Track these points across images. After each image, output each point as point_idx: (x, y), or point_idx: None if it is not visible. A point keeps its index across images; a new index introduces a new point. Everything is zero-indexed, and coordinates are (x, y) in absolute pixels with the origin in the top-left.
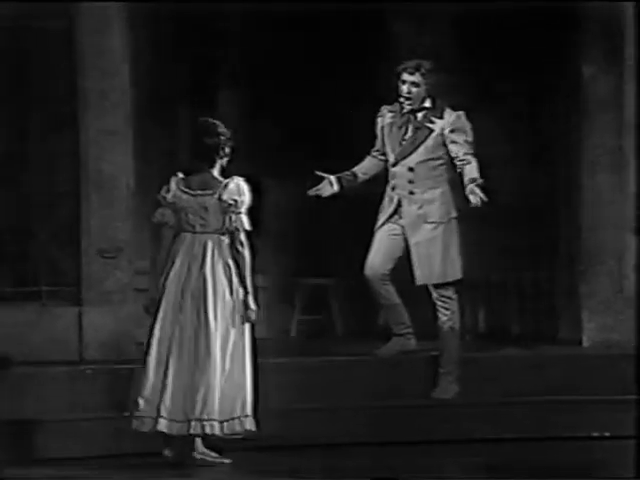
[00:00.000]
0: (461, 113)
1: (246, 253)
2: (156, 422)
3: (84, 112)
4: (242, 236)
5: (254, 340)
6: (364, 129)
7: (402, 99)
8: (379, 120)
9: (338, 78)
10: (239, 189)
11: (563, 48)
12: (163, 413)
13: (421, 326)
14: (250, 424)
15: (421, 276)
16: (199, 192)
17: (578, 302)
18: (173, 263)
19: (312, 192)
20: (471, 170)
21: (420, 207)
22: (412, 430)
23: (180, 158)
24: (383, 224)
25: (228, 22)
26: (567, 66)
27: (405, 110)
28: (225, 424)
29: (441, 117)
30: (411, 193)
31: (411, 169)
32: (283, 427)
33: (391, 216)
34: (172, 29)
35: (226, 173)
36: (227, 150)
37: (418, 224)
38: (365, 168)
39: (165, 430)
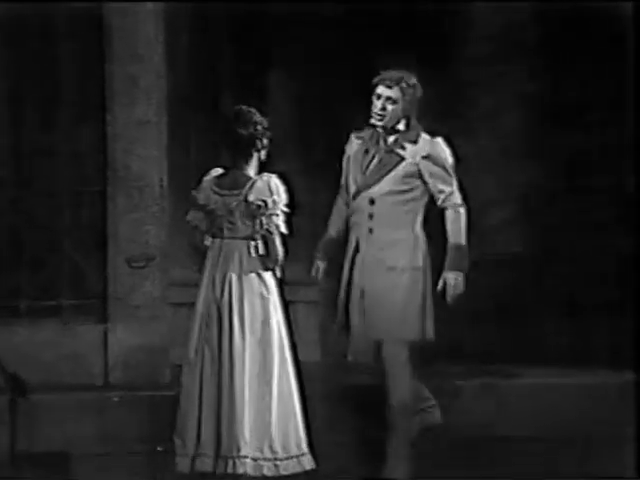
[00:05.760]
0: (439, 139)
1: (280, 258)
2: (191, 461)
3: (111, 100)
4: (277, 240)
5: (298, 364)
6: None
7: (373, 116)
8: (347, 149)
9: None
10: (269, 188)
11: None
12: (196, 450)
13: None
14: (308, 463)
15: (372, 330)
16: (226, 192)
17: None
18: (204, 273)
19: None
20: (453, 227)
21: (380, 249)
22: None
23: (222, 152)
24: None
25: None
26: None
27: (374, 134)
28: (281, 464)
29: (415, 142)
30: (370, 231)
31: (372, 201)
32: None
33: (350, 267)
34: (210, 9)
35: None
36: (265, 142)
37: (375, 270)
38: (338, 225)
39: (193, 469)
